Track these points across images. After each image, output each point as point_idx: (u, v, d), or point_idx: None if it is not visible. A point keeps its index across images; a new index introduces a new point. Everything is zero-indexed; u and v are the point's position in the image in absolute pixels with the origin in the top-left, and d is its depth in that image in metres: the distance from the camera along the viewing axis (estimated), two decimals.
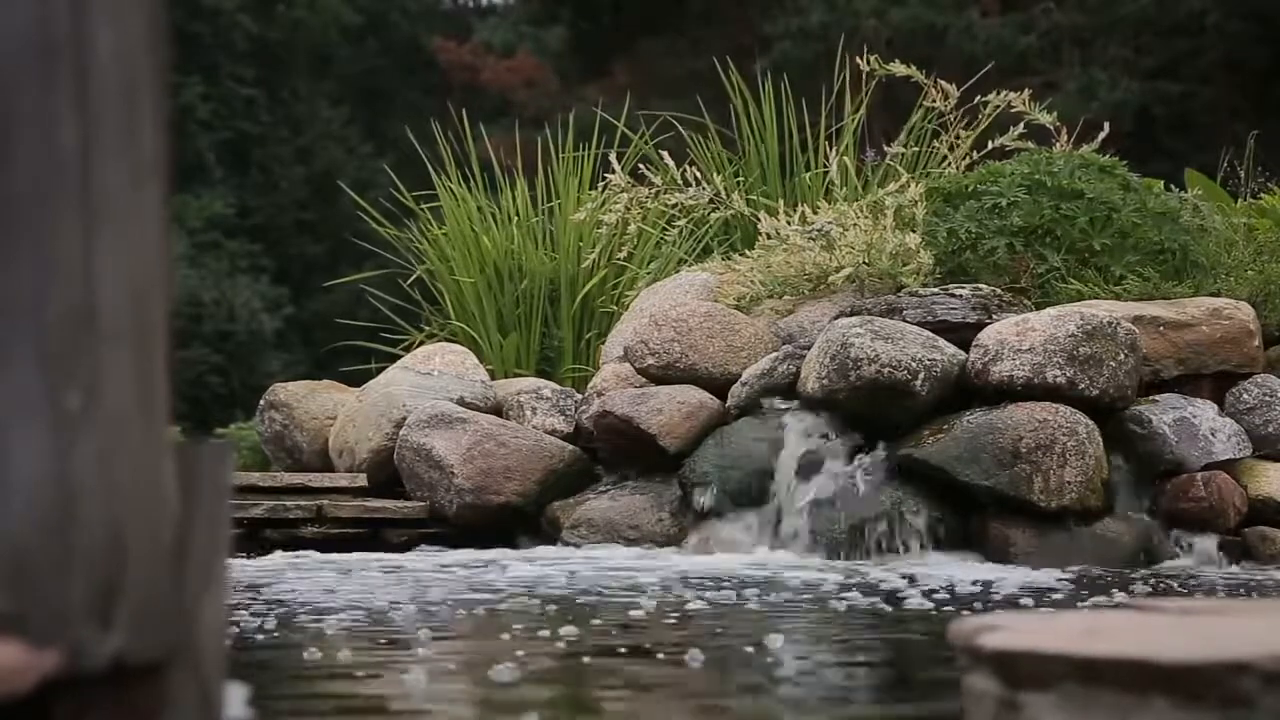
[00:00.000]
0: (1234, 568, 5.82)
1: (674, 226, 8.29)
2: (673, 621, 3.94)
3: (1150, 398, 6.13)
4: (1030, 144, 7.81)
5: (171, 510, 1.39)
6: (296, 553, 6.16)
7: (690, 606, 4.20)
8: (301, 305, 24.21)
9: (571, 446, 6.68)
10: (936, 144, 8.39)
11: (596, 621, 3.94)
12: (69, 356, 1.32)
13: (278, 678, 3.08)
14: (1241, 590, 5.05)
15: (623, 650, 3.43)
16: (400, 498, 6.67)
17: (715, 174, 8.40)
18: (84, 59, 1.35)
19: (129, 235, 1.36)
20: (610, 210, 8.18)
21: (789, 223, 7.19)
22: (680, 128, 8.95)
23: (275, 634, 3.63)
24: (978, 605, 4.25)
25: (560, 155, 8.86)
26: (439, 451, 6.52)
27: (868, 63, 8.19)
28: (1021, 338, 6.01)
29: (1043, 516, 5.81)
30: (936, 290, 6.51)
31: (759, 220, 7.48)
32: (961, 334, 6.22)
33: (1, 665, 1.25)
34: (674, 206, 8.19)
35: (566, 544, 6.20)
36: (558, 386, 7.18)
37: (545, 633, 3.55)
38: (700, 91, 10.38)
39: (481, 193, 8.80)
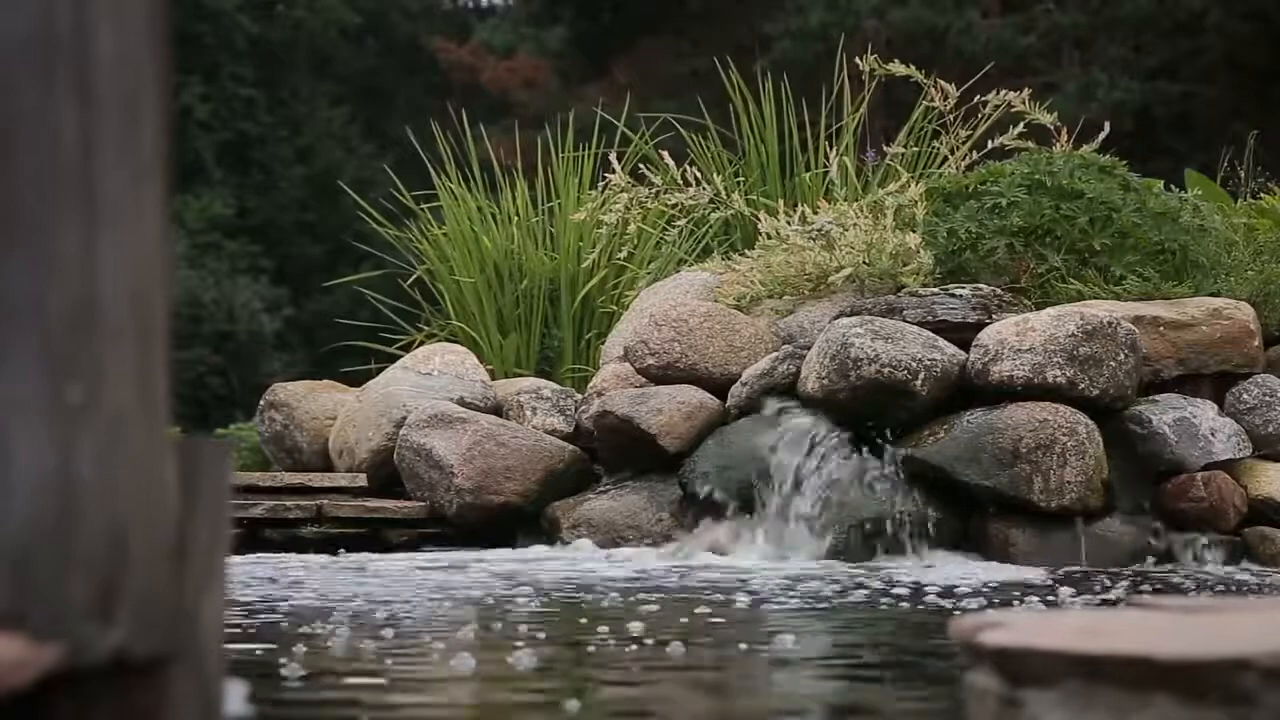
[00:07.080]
0: (1234, 568, 5.82)
1: (674, 226, 8.28)
2: (676, 621, 3.94)
3: (1150, 398, 6.13)
4: (1030, 144, 7.81)
5: (172, 507, 1.39)
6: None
7: (697, 609, 4.20)
8: (301, 306, 24.22)
9: (571, 446, 6.68)
10: (936, 144, 8.38)
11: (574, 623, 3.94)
12: (70, 353, 1.32)
13: None
14: (1241, 590, 5.05)
15: (610, 642, 3.43)
16: (400, 498, 6.67)
17: (715, 174, 8.40)
18: (86, 57, 1.35)
19: (130, 233, 1.36)
20: (610, 210, 8.17)
21: (789, 223, 7.19)
22: (680, 128, 8.94)
23: None
24: (978, 604, 4.25)
25: (560, 155, 8.86)
26: (439, 451, 6.51)
27: (868, 63, 8.18)
28: (1021, 338, 6.01)
29: (1043, 516, 5.81)
30: (936, 290, 6.51)
31: (759, 220, 7.48)
32: (961, 334, 6.22)
33: (2, 659, 1.25)
34: (674, 206, 8.18)
35: (566, 543, 6.20)
36: (558, 386, 7.18)
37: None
38: (700, 91, 10.39)
39: (481, 193, 8.80)
